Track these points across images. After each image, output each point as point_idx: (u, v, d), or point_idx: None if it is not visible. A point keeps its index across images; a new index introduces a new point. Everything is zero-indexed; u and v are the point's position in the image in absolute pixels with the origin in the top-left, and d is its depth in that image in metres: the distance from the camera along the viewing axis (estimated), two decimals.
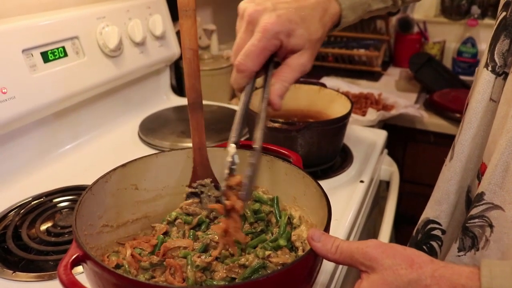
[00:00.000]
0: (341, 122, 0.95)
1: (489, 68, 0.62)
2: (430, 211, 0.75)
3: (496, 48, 0.62)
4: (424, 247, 0.76)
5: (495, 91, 0.62)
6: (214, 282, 0.57)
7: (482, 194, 0.60)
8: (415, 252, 0.48)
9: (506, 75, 0.60)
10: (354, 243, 0.50)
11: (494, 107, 0.62)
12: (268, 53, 0.59)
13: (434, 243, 0.75)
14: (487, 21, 1.92)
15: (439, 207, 0.73)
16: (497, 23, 0.63)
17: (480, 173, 0.63)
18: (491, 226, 0.59)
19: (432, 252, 0.75)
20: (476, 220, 0.61)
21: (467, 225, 0.63)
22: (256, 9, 0.59)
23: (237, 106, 1.30)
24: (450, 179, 0.70)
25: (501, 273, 0.44)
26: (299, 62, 0.61)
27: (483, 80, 0.63)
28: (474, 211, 0.61)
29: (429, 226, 0.75)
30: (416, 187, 1.61)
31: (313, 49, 0.63)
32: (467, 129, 0.66)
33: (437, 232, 0.74)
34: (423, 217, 0.76)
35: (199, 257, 0.59)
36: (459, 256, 0.64)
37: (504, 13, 0.61)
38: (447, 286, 0.44)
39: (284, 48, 0.60)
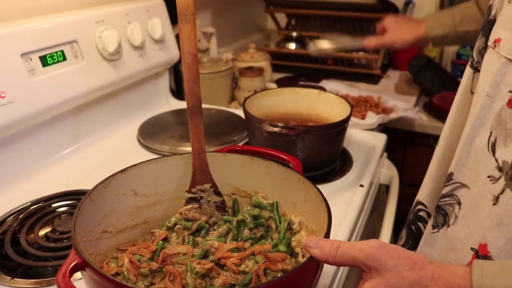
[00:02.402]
0: (341, 126, 0.95)
1: (469, 64, 0.69)
2: (419, 194, 0.81)
3: (475, 45, 0.68)
4: (413, 227, 0.81)
5: (474, 84, 0.68)
6: None
7: (451, 174, 0.66)
8: (416, 254, 0.50)
9: None
10: (356, 244, 0.50)
11: (472, 99, 0.68)
12: None
13: (420, 225, 0.80)
14: None
15: (425, 189, 0.80)
16: (482, 24, 0.68)
17: None
18: (459, 203, 0.66)
19: (419, 233, 0.79)
20: (447, 198, 0.68)
21: (439, 203, 0.69)
22: None
23: (236, 110, 1.30)
24: (433, 164, 0.78)
25: (492, 272, 0.46)
26: None
27: (465, 75, 0.70)
28: (445, 190, 0.68)
29: (417, 207, 0.81)
30: (415, 190, 1.59)
31: None
32: (449, 119, 0.73)
33: (423, 214, 0.80)
34: (415, 199, 0.83)
35: (198, 263, 0.59)
36: (433, 233, 0.70)
37: (486, 15, 0.67)
38: (445, 285, 0.46)
39: None
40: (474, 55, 0.68)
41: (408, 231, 0.83)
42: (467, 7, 1.06)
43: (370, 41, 1.19)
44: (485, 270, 0.46)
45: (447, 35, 1.04)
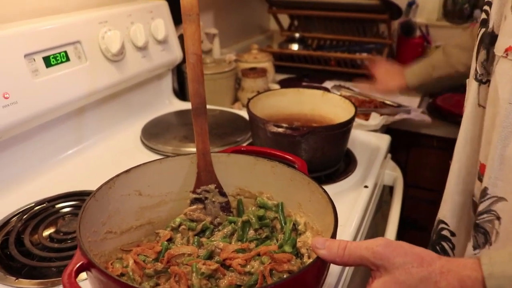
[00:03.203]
0: (345, 127, 0.95)
1: (474, 77, 0.70)
2: (440, 212, 0.80)
3: (477, 59, 0.68)
4: (437, 247, 0.80)
5: (481, 97, 0.68)
6: None
7: (485, 189, 0.65)
8: (423, 250, 0.50)
9: (489, 82, 0.66)
10: (363, 243, 0.50)
11: (482, 112, 0.68)
12: None
13: (445, 244, 0.79)
14: None
15: (445, 206, 0.78)
16: (478, 38, 0.69)
17: (480, 174, 0.68)
18: (498, 218, 0.64)
19: (444, 253, 0.78)
20: (485, 215, 0.65)
21: (477, 222, 0.66)
22: None
23: (239, 111, 1.30)
24: (450, 179, 0.76)
25: (501, 259, 0.46)
26: None
27: (471, 89, 0.71)
28: (481, 207, 0.65)
29: (439, 226, 0.80)
30: (419, 192, 1.60)
31: None
32: (461, 134, 0.74)
33: (446, 233, 0.78)
34: (436, 218, 0.81)
35: (204, 264, 0.58)
36: (475, 254, 0.68)
37: (483, 29, 0.68)
38: (455, 279, 0.46)
39: None
40: (478, 68, 0.68)
41: (433, 251, 0.82)
42: (437, 55, 1.21)
43: (364, 87, 1.40)
44: (494, 259, 0.46)
45: (424, 82, 1.21)
